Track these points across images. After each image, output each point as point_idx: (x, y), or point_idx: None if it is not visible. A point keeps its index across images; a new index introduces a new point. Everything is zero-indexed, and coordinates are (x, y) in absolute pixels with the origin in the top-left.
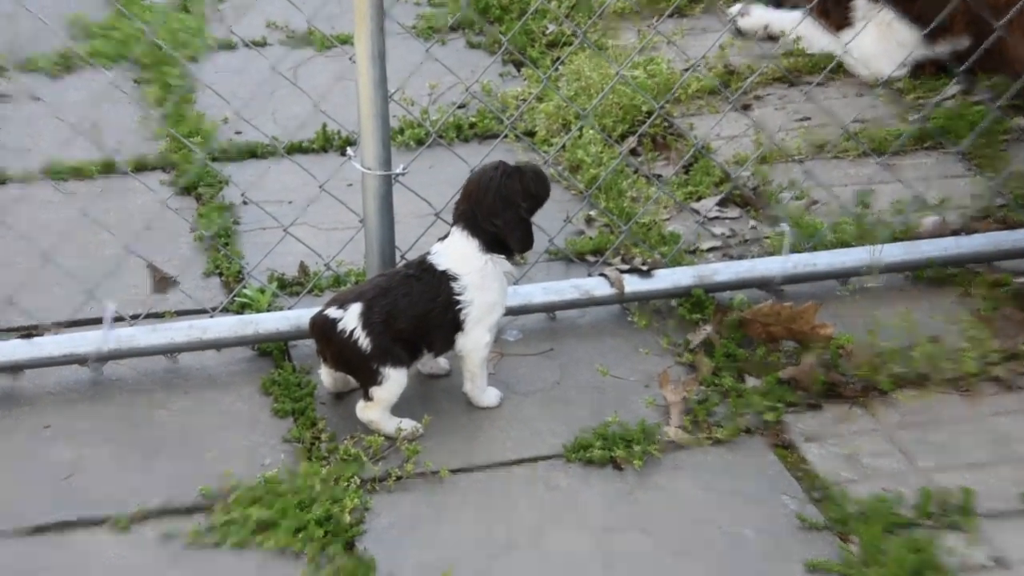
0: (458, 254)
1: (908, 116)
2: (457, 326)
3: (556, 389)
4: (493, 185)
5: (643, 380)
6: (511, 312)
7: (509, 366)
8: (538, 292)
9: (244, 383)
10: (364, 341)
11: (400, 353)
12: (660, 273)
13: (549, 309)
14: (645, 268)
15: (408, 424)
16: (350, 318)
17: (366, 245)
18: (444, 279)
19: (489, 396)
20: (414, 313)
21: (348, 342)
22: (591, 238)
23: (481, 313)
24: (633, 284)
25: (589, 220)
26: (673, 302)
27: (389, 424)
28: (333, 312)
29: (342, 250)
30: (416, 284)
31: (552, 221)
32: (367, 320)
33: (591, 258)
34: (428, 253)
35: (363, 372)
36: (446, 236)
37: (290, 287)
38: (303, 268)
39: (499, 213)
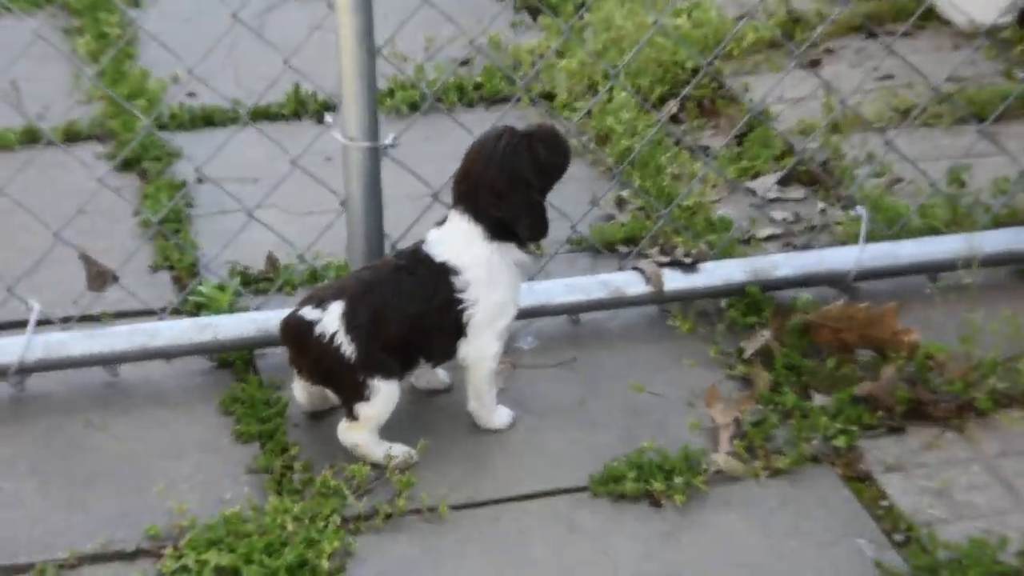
0: (459, 243)
1: (1015, 73)
2: (459, 331)
3: (581, 408)
4: (495, 159)
5: (686, 397)
6: (525, 314)
7: (523, 380)
8: (559, 290)
9: (199, 401)
10: (347, 347)
11: (391, 363)
12: (707, 267)
13: (572, 310)
14: (689, 261)
15: (400, 450)
16: (330, 320)
17: (348, 232)
18: (442, 273)
19: (499, 416)
20: (407, 314)
21: (328, 349)
22: (623, 224)
23: (488, 315)
24: (674, 280)
25: (620, 202)
26: (723, 302)
27: (377, 449)
28: (309, 313)
29: (319, 238)
30: (408, 279)
31: (575, 203)
32: (351, 322)
33: (623, 248)
34: (423, 242)
35: (346, 385)
36: (444, 221)
37: (256, 283)
38: (272, 260)
39: (504, 194)
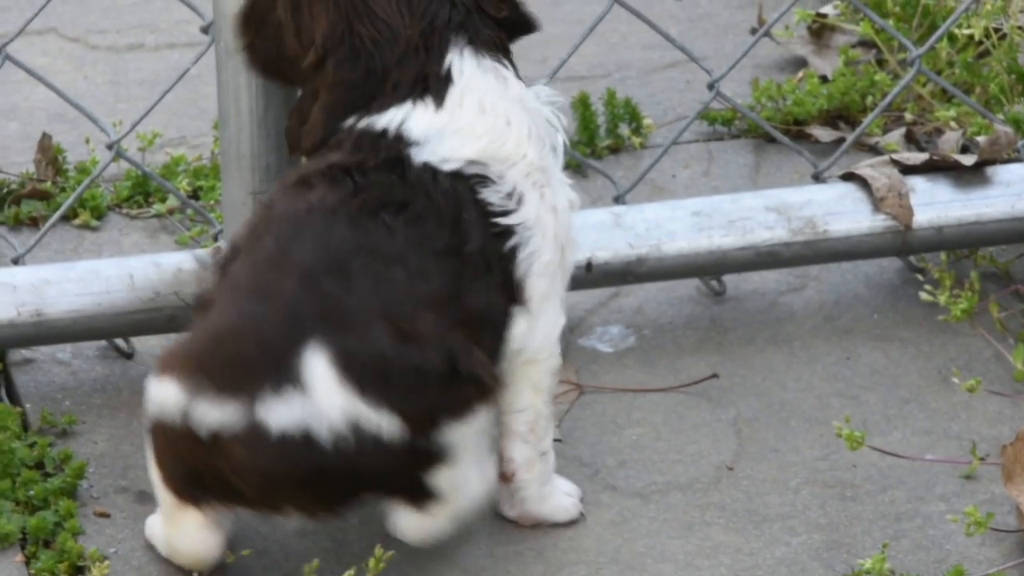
0: (489, 120)
1: None
2: (511, 299)
3: (727, 481)
4: None
5: (956, 455)
6: (604, 277)
7: (602, 419)
8: (680, 223)
9: None
10: (376, 424)
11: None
12: (1013, 173)
13: (708, 269)
14: (971, 160)
15: None
16: (323, 395)
17: (219, 90)
18: (463, 196)
19: (555, 497)
20: (445, 305)
21: (331, 451)
22: (824, 80)
23: (556, 250)
24: (938, 203)
25: (818, 32)
26: None
27: None
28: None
29: (155, 102)
30: (411, 229)
31: (716, 33)
32: (353, 373)
33: (822, 133)
34: (388, 136)
35: (394, 486)
36: (417, 85)
37: (12, 201)
38: (47, 151)
39: None
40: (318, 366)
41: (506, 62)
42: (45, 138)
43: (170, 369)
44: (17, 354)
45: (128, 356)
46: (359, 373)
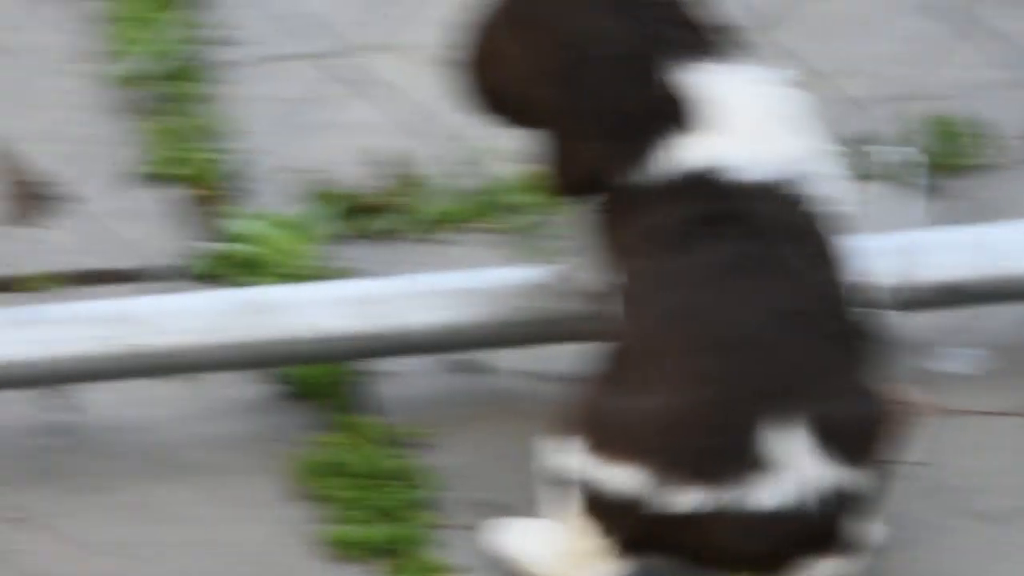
0: (761, 120)
1: None
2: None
3: None
4: None
5: None
6: (960, 295)
7: (963, 442)
8: None
9: (246, 469)
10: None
11: None
12: None
13: None
14: None
15: None
16: (805, 465)
17: None
18: (794, 200)
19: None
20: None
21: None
22: None
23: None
24: None
25: None
26: None
27: None
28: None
29: None
30: (809, 252)
31: None
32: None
33: None
34: (708, 169)
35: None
36: (682, 110)
37: (370, 214)
38: (397, 162)
39: None
40: (796, 440)
41: (727, 59)
42: (397, 153)
43: (612, 450)
44: (378, 365)
45: (484, 370)
46: (832, 438)
